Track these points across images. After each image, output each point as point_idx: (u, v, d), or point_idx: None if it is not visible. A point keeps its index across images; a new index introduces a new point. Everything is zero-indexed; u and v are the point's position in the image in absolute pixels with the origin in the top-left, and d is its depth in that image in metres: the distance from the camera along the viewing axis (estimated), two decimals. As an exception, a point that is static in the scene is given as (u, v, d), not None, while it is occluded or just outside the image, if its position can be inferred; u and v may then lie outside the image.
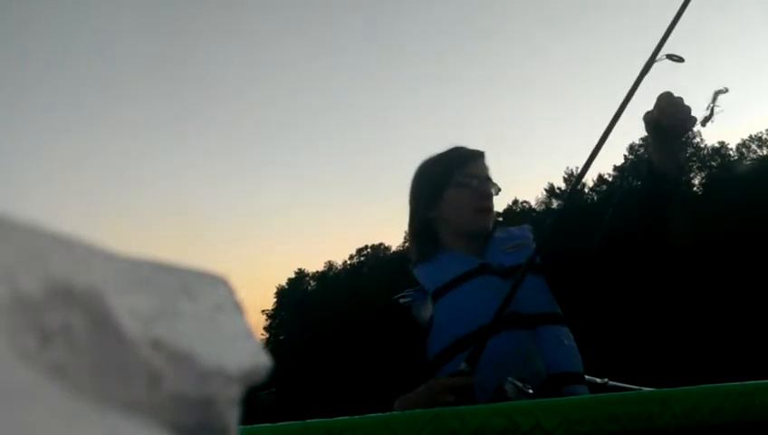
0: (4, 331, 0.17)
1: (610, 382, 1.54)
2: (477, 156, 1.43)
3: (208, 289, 0.24)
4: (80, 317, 0.19)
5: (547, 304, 1.32)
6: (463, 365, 1.12)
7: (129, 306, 0.20)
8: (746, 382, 0.87)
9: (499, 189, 1.42)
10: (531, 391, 1.07)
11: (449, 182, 1.38)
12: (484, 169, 1.43)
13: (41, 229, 0.19)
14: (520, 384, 1.07)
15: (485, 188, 1.39)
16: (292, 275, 56.91)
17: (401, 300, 1.34)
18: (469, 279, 1.30)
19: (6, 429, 0.15)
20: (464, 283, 1.30)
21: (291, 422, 0.82)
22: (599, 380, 1.54)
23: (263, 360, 0.23)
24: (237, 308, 0.24)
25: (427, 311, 1.29)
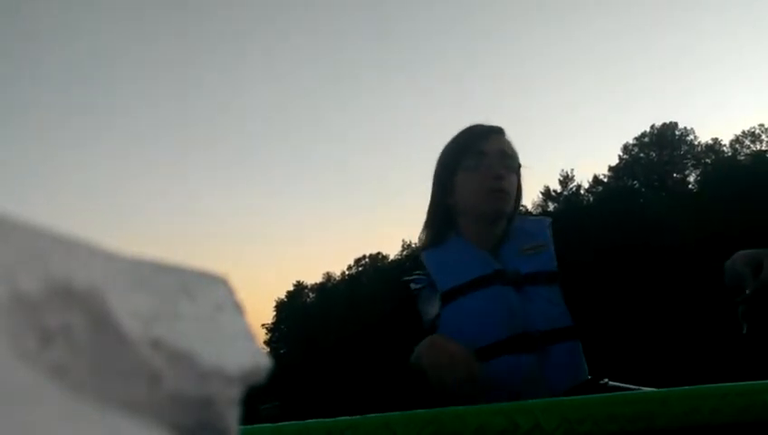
0: (4, 331, 0.17)
1: (610, 382, 1.54)
2: (491, 132, 1.33)
3: (208, 289, 0.24)
4: (80, 317, 0.19)
5: (560, 318, 1.23)
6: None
7: (129, 306, 0.20)
8: (746, 382, 0.87)
9: (519, 165, 1.32)
10: None
11: (459, 166, 1.30)
12: (499, 144, 1.32)
13: (41, 229, 0.19)
14: None
15: (494, 167, 1.28)
16: (291, 288, 56.81)
17: (411, 285, 1.27)
18: (481, 287, 1.22)
19: (6, 429, 0.15)
20: (475, 290, 1.22)
21: (291, 422, 0.83)
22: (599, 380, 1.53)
23: (263, 360, 0.23)
24: (237, 308, 0.24)
25: (433, 308, 1.22)
